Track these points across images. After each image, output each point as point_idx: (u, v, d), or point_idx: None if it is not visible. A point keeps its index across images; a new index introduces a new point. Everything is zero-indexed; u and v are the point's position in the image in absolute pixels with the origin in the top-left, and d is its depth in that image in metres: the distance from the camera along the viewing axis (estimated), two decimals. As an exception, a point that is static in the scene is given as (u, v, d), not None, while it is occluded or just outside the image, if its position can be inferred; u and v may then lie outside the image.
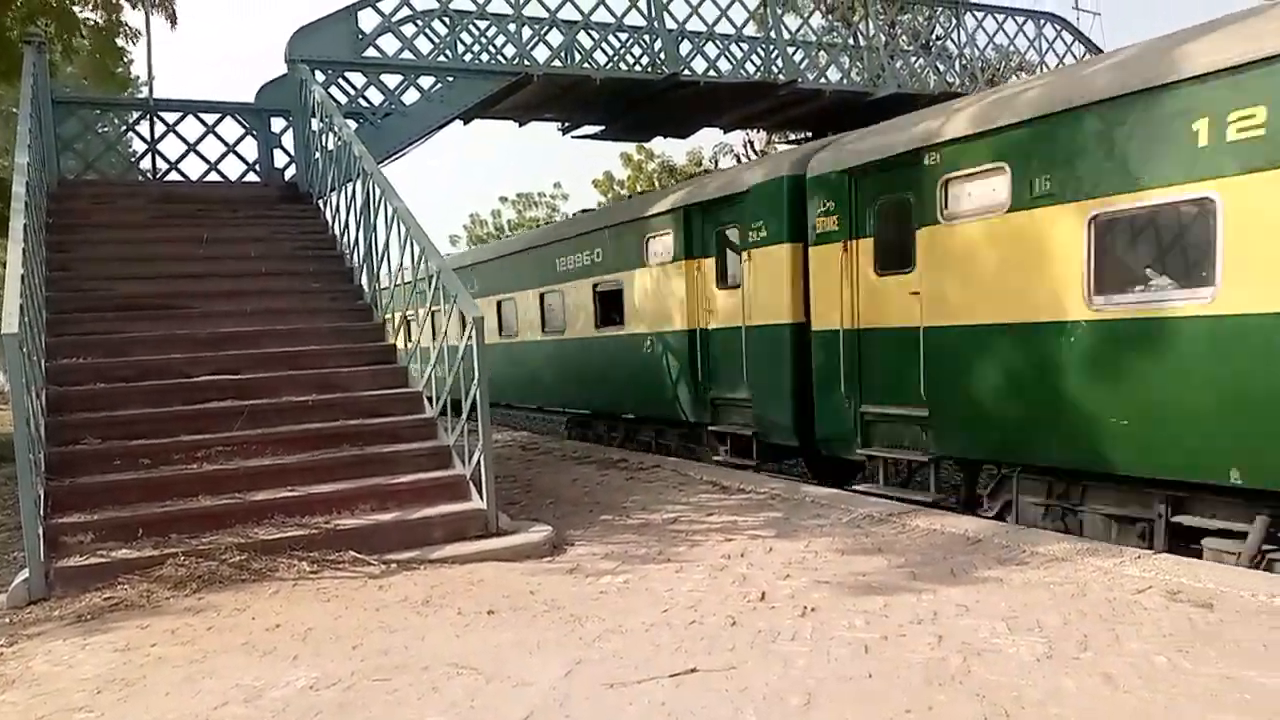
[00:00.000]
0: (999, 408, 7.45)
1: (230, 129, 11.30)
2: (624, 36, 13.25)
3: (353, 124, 10.50)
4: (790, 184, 9.62)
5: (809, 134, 16.93)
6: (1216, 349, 5.91)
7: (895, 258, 8.38)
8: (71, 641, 4.66)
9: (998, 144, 7.32)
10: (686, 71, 13.45)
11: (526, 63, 12.42)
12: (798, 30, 15.09)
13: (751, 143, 27.40)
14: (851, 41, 15.62)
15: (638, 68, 13.34)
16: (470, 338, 6.57)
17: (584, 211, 17.32)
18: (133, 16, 12.53)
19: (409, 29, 11.81)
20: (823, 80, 14.83)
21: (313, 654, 4.35)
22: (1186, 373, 6.11)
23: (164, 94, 14.41)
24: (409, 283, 8.08)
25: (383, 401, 7.69)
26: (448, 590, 5.35)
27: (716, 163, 29.27)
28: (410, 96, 11.73)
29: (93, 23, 11.91)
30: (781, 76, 14.16)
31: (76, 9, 11.44)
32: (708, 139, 51.30)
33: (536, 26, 12.58)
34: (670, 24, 13.46)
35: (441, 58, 11.96)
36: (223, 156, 11.23)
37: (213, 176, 11.22)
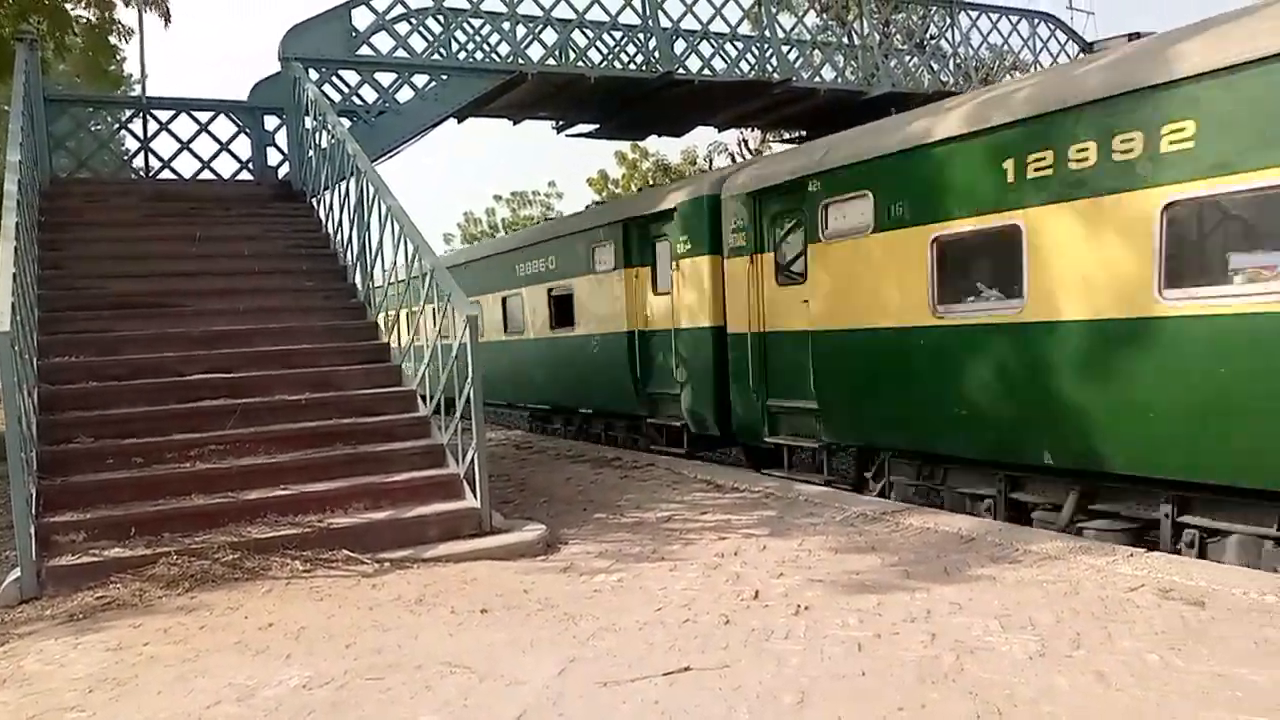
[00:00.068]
0: (870, 401, 8.62)
1: (223, 127, 11.25)
2: (618, 35, 13.22)
3: (346, 122, 10.45)
4: (710, 203, 10.76)
5: (804, 132, 16.94)
6: (1027, 350, 6.99)
7: (791, 270, 9.69)
8: (63, 641, 4.64)
9: (864, 174, 8.49)
10: (681, 70, 13.43)
11: (521, 61, 12.40)
12: (792, 29, 15.06)
13: (746, 141, 27.38)
14: (846, 40, 15.62)
15: (632, 66, 13.32)
16: (464, 336, 6.56)
17: (547, 219, 18.38)
18: (125, 14, 12.50)
19: (403, 27, 11.76)
20: (817, 79, 14.82)
21: (306, 653, 4.34)
22: (1008, 371, 7.17)
23: (162, 93, 14.31)
24: (403, 281, 8.09)
25: (376, 400, 7.67)
26: (441, 589, 5.34)
27: (711, 162, 29.28)
28: (404, 94, 11.68)
29: (85, 20, 11.84)
30: (776, 75, 14.15)
31: (69, 6, 11.38)
32: (702, 138, 51.23)
33: (531, 25, 12.55)
34: (665, 22, 13.43)
35: (435, 56, 11.93)
36: (216, 154, 11.16)
37: (206, 175, 11.15)
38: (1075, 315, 6.62)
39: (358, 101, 11.46)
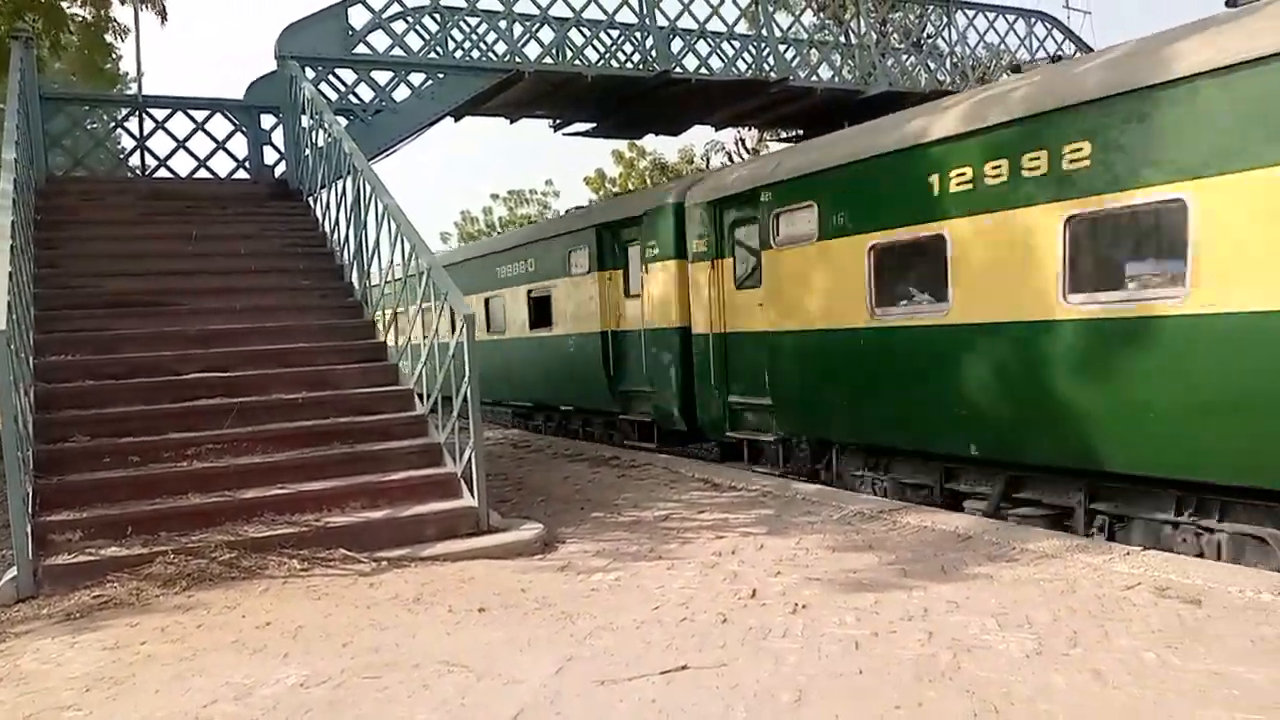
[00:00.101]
0: (816, 397, 9.20)
1: (220, 126, 11.24)
2: (615, 34, 13.20)
3: (343, 120, 10.44)
4: (675, 210, 11.24)
5: (800, 131, 16.95)
6: (953, 351, 7.48)
7: (748, 275, 10.19)
8: (60, 640, 4.63)
9: (809, 186, 8.99)
10: (678, 69, 13.43)
11: (518, 59, 12.39)
12: (789, 28, 15.08)
13: (743, 140, 27.38)
14: (843, 39, 15.62)
15: (629, 65, 13.31)
16: (461, 335, 6.56)
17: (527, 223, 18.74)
18: (121, 12, 12.48)
19: (399, 25, 11.75)
20: (814, 78, 14.84)
21: (303, 652, 4.34)
22: (938, 369, 7.64)
23: (162, 93, 14.26)
24: (399, 279, 8.08)
25: (373, 399, 7.67)
26: (439, 588, 5.34)
27: (708, 161, 29.26)
28: (401, 93, 11.68)
29: (81, 18, 11.80)
30: (773, 74, 14.15)
31: (64, 4, 11.34)
32: (699, 136, 51.20)
33: (527, 23, 12.54)
34: (662, 21, 13.42)
35: (432, 54, 11.92)
36: (212, 153, 11.16)
37: (202, 173, 11.14)
38: (993, 318, 7.18)
39: (354, 100, 11.45)
